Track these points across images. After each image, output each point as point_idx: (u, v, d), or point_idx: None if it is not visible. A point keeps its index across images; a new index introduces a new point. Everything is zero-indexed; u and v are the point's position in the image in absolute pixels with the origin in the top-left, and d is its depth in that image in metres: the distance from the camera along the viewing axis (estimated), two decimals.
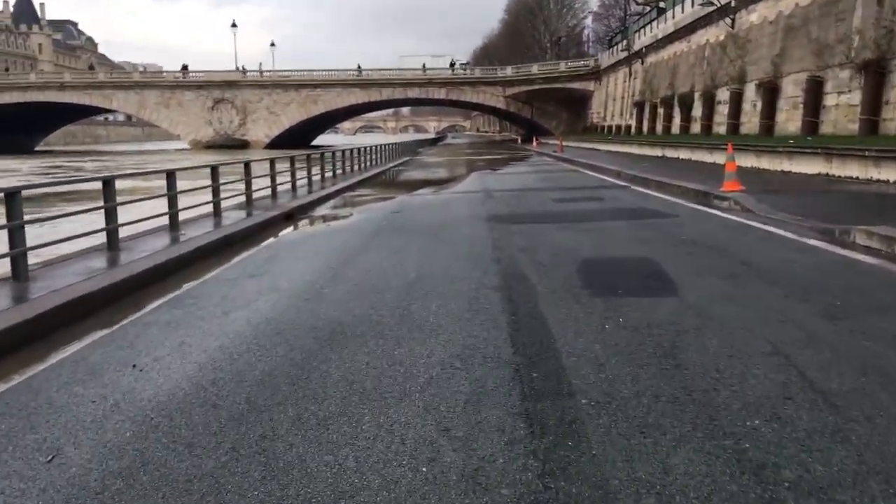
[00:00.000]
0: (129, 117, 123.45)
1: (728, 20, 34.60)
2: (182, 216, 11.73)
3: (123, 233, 9.05)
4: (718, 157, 22.09)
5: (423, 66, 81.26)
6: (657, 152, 30.71)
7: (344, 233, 11.17)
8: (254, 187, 15.50)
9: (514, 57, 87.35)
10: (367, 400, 3.94)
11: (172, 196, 10.14)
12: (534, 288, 6.54)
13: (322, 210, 15.10)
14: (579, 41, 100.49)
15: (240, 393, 4.12)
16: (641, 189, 16.79)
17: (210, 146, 74.14)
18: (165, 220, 10.31)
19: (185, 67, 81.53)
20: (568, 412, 3.65)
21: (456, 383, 4.14)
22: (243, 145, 74.76)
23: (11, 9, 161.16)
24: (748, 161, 18.99)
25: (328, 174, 22.82)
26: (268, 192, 16.62)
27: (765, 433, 3.34)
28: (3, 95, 78.89)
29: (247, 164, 13.80)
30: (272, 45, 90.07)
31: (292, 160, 17.45)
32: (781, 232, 9.19)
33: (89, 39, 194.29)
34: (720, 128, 34.27)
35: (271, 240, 10.74)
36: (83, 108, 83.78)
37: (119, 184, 9.26)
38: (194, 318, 6.01)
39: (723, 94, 34.38)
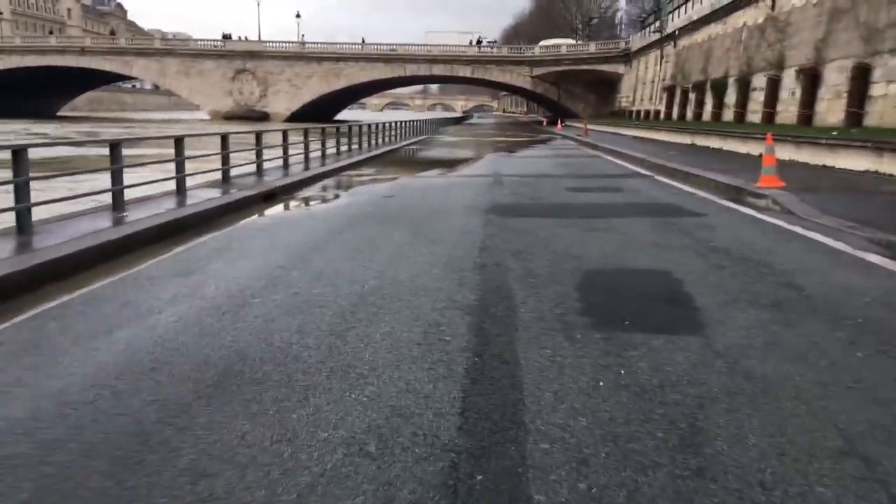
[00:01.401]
0: (156, 86, 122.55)
1: (768, 1, 32.51)
2: (143, 192, 10.43)
3: (47, 213, 7.68)
4: (753, 148, 20.33)
5: (472, 42, 79.18)
6: (686, 140, 28.87)
7: (318, 220, 9.71)
8: (243, 162, 14.17)
9: (544, 37, 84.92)
10: None
11: (117, 170, 8.74)
12: (516, 311, 5.05)
13: (310, 191, 13.65)
14: (612, 24, 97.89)
15: (9, 500, 2.68)
16: (667, 180, 15.14)
17: (230, 117, 72.98)
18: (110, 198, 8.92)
19: (226, 37, 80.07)
20: None
21: (353, 489, 2.68)
22: (263, 117, 73.47)
23: None
24: (786, 153, 17.23)
25: (331, 151, 21.39)
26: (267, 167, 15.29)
27: None
28: (22, 59, 78.11)
29: (224, 137, 12.36)
30: (297, 16, 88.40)
31: (285, 134, 15.98)
32: (832, 242, 7.60)
33: (119, 5, 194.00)
34: (754, 116, 32.30)
35: (234, 225, 9.30)
36: (105, 74, 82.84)
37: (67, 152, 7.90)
38: (65, 337, 4.60)
39: (759, 81, 32.36)
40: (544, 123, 70.48)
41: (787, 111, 28.53)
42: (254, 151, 15.36)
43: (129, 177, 11.03)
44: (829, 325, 4.67)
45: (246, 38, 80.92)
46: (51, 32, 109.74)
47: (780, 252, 7.18)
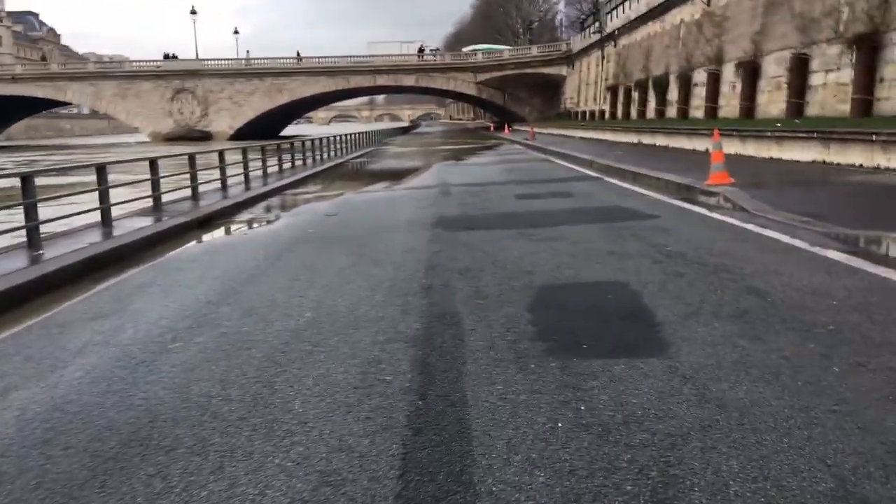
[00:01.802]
0: (94, 110, 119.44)
1: None
2: (66, 225, 9.79)
3: None
4: (698, 144, 20.36)
5: (420, 49, 79.21)
6: (632, 139, 28.94)
7: (254, 245, 9.13)
8: (177, 186, 13.52)
9: (486, 43, 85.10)
10: None
11: (30, 205, 8.08)
12: (464, 340, 4.61)
13: (250, 213, 13.04)
14: (552, 26, 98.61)
15: None
16: (616, 181, 14.92)
17: (171, 138, 71.42)
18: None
19: (168, 57, 78.28)
20: None
21: None
22: (206, 137, 72.03)
23: None
24: (732, 147, 17.21)
25: (274, 169, 20.78)
26: (205, 189, 14.68)
27: None
28: None
29: (152, 162, 11.71)
30: (236, 32, 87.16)
31: (221, 154, 15.33)
32: (788, 239, 7.35)
33: (51, 30, 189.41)
34: (697, 111, 32.56)
35: (164, 256, 8.68)
36: (40, 100, 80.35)
37: None
38: None
39: (699, 76, 32.65)
40: (491, 129, 70.58)
41: (729, 105, 28.77)
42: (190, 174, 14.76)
43: (50, 209, 10.41)
44: (800, 335, 4.34)
45: (173, 56, 79.14)
46: None
47: (737, 254, 6.89)
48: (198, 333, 5.11)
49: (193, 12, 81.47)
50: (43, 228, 9.20)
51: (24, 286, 6.58)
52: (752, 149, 17.30)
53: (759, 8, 26.22)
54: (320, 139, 29.79)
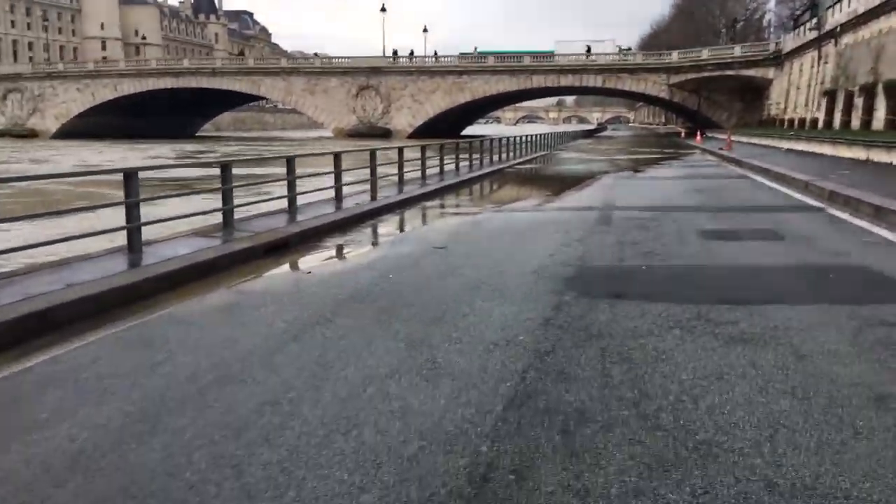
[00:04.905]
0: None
1: None
2: (90, 244, 7.55)
3: None
4: None
5: (588, 49, 74.82)
6: (859, 154, 23.57)
7: (288, 304, 6.15)
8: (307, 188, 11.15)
9: (685, 44, 78.84)
10: None
11: None
12: None
13: (346, 236, 10.22)
14: (758, 27, 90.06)
15: None
16: (847, 217, 10.74)
17: (352, 134, 72.00)
18: None
19: (394, 54, 78.80)
20: None
21: None
22: (385, 134, 71.94)
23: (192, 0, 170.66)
24: None
25: (415, 174, 18.14)
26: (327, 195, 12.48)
27: None
28: (157, 81, 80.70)
29: (224, 167, 9.24)
30: (424, 30, 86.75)
31: (336, 157, 12.76)
32: None
33: (263, 29, 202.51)
34: None
35: (158, 312, 5.93)
36: (239, 94, 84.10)
37: None
38: None
39: None
40: (682, 135, 64.89)
41: None
42: (332, 176, 12.61)
43: (73, 223, 8.25)
44: None
45: (411, 54, 79.32)
46: (208, 54, 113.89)
47: None
48: None
49: (383, 9, 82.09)
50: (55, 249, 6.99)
51: None
52: None
53: None
54: (492, 140, 27.21)
